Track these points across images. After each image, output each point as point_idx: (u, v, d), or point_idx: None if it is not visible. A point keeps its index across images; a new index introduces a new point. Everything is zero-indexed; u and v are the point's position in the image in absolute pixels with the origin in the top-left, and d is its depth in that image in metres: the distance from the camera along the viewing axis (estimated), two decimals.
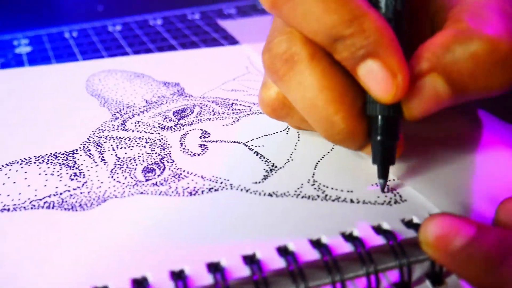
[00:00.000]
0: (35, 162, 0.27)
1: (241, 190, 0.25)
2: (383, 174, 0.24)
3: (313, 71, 0.23)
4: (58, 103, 0.34)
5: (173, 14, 0.55)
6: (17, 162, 0.27)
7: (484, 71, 0.22)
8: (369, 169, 0.26)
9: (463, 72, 0.22)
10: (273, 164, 0.27)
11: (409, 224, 0.22)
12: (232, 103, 0.33)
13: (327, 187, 0.25)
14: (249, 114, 0.32)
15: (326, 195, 0.24)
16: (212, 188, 0.25)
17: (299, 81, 0.23)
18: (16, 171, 0.27)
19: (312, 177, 0.26)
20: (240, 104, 0.33)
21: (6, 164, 0.27)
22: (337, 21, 0.21)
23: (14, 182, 0.26)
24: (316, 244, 0.21)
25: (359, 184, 0.25)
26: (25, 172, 0.27)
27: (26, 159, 0.28)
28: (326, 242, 0.21)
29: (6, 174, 0.26)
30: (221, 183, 0.25)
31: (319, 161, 0.27)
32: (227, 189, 0.25)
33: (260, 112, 0.32)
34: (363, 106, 0.23)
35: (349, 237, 0.22)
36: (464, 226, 0.19)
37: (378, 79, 0.21)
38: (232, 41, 0.48)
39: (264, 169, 0.26)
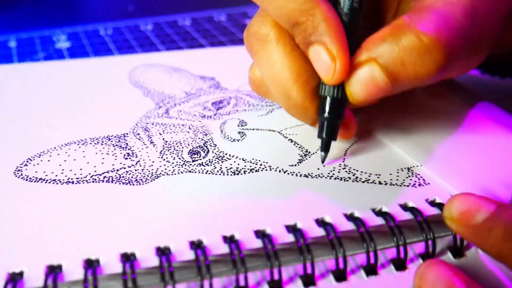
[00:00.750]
0: (90, 143, 0.30)
1: (279, 171, 0.28)
2: (326, 148, 0.27)
3: (278, 50, 0.27)
4: (104, 92, 0.37)
5: (200, 15, 0.58)
6: (75, 143, 0.30)
7: (412, 60, 0.25)
8: (392, 156, 0.29)
9: (396, 61, 0.25)
10: (307, 150, 0.29)
11: (432, 203, 0.25)
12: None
13: (357, 170, 0.28)
14: (281, 107, 0.34)
15: (357, 177, 0.27)
16: (253, 169, 0.28)
17: (267, 58, 0.28)
18: (75, 150, 0.30)
19: (343, 161, 0.28)
20: None
21: (65, 144, 0.30)
22: (294, 9, 0.26)
23: (74, 160, 0.29)
24: (350, 217, 0.24)
25: (385, 168, 0.28)
26: (83, 151, 0.29)
27: (82, 140, 0.30)
28: (360, 216, 0.24)
29: (66, 152, 0.29)
30: (261, 165, 0.28)
31: (348, 148, 0.30)
32: (266, 170, 0.28)
33: None
34: (316, 86, 0.27)
35: (379, 213, 0.24)
36: (485, 203, 0.22)
37: (321, 61, 0.25)
38: None
39: (299, 154, 0.29)
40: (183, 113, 0.33)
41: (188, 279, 0.21)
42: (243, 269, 0.21)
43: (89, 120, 0.33)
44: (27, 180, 0.27)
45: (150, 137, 0.31)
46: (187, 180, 0.27)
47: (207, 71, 0.40)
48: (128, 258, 0.22)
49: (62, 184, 0.27)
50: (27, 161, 0.28)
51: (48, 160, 0.29)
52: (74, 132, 0.31)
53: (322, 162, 0.28)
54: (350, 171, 0.27)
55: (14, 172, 0.28)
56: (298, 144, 0.30)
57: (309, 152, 0.29)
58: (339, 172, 0.28)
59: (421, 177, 0.27)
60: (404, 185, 0.26)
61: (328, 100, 0.26)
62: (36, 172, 0.28)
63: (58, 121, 0.33)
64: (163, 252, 0.22)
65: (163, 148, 0.30)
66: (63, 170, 0.28)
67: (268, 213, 0.24)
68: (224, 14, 0.59)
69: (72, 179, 0.27)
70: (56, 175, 0.27)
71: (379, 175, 0.27)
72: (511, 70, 0.35)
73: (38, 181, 0.27)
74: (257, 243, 0.22)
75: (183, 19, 0.57)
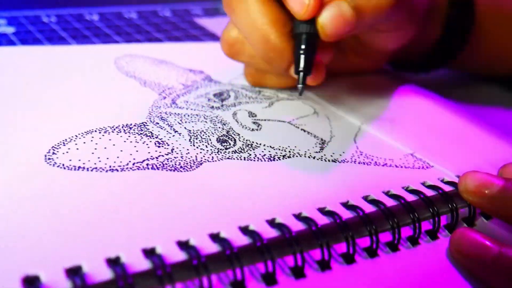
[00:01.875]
0: (112, 132, 0.29)
1: (309, 157, 0.30)
2: (303, 80, 0.31)
3: (256, 2, 0.31)
4: (98, 81, 0.35)
5: (145, 9, 0.57)
6: (95, 131, 0.29)
7: None
8: (393, 146, 0.32)
9: None
10: (321, 138, 0.32)
11: (443, 181, 0.29)
12: (259, 91, 0.37)
13: (373, 156, 0.31)
14: (278, 100, 0.36)
15: (375, 162, 0.30)
16: (285, 155, 0.30)
17: (246, 9, 0.31)
18: (100, 138, 0.28)
19: (358, 149, 0.31)
20: (267, 92, 0.37)
21: (85, 132, 0.29)
22: None
23: (105, 148, 0.27)
24: (390, 195, 0.27)
25: (395, 154, 0.31)
26: (109, 140, 0.28)
27: (102, 128, 0.29)
28: (397, 194, 0.27)
29: (91, 140, 0.28)
30: (289, 151, 0.30)
31: (355, 136, 0.33)
32: (297, 156, 0.30)
33: (287, 98, 0.36)
34: (291, 30, 0.31)
35: (412, 191, 0.28)
36: (495, 178, 0.27)
37: None
38: (214, 38, 0.52)
39: (317, 142, 0.31)
40: (191, 104, 0.34)
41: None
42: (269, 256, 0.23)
43: (95, 108, 0.32)
44: (64, 168, 0.25)
45: (171, 126, 0.31)
46: (229, 166, 0.28)
47: (192, 65, 0.40)
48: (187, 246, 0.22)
49: (106, 171, 0.26)
50: (53, 150, 0.27)
51: (77, 149, 0.27)
52: (86, 120, 0.30)
53: (300, 94, 0.31)
54: (367, 157, 0.31)
55: (46, 161, 0.26)
56: (311, 134, 0.32)
57: (325, 141, 0.32)
58: (358, 157, 0.31)
59: (425, 161, 0.31)
60: (416, 168, 0.30)
61: (303, 36, 0.30)
62: (70, 160, 0.26)
63: (64, 110, 0.31)
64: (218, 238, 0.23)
65: (190, 137, 0.30)
66: (99, 158, 0.26)
67: (308, 196, 0.26)
68: (168, 9, 0.59)
69: (114, 167, 0.26)
70: (95, 163, 0.26)
71: (392, 159, 0.31)
72: (424, 66, 0.42)
73: (78, 169, 0.25)
74: (300, 225, 0.24)
75: (128, 12, 0.56)
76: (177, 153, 0.28)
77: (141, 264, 0.20)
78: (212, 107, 0.34)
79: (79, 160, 0.26)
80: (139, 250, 0.21)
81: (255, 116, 0.33)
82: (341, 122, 0.34)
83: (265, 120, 0.33)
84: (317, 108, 0.36)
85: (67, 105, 0.32)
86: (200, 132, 0.31)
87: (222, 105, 0.34)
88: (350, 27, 0.31)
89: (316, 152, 0.30)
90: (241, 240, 0.22)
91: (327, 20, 0.30)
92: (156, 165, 0.27)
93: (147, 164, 0.27)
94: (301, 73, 0.31)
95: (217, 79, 0.38)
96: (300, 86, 0.31)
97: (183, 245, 0.21)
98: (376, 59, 0.40)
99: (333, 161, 0.30)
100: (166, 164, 0.27)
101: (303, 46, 0.30)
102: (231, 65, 0.41)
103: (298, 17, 0.30)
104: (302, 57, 0.30)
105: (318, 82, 0.33)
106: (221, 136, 0.30)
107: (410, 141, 0.33)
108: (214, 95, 0.36)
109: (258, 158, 0.29)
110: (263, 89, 0.37)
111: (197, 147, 0.29)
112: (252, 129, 0.32)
